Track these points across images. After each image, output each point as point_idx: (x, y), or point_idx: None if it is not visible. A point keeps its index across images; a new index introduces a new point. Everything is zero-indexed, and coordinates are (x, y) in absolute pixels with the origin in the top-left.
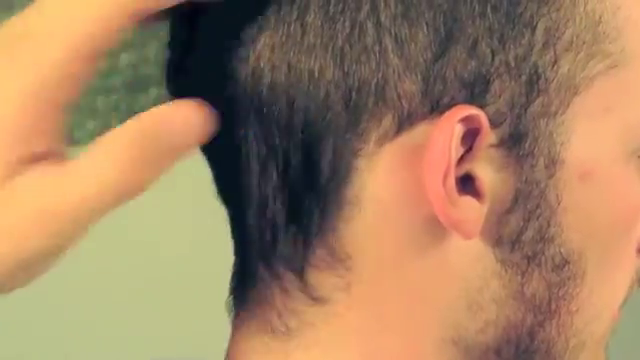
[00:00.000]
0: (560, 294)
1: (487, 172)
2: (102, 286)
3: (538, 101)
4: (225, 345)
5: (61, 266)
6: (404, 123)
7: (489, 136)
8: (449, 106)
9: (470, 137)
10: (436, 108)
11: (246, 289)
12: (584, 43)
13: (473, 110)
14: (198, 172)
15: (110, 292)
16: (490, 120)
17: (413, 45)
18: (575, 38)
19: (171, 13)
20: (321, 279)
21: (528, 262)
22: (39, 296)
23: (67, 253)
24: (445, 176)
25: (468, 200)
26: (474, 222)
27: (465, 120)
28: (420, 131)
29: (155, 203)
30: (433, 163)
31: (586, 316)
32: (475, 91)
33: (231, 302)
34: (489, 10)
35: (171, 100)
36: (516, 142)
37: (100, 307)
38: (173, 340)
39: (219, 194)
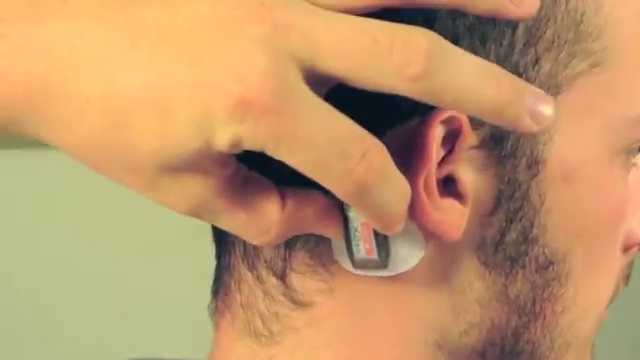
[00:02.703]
0: (545, 295)
1: (469, 173)
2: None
3: None
4: (208, 348)
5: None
6: (385, 125)
7: (470, 137)
8: (430, 108)
9: (451, 138)
10: (417, 110)
11: (229, 293)
12: (566, 42)
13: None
14: None
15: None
16: (471, 121)
17: None
18: (556, 37)
19: None
20: (304, 283)
21: (512, 263)
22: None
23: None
24: (426, 178)
25: (450, 202)
26: (456, 224)
27: (446, 122)
28: (401, 133)
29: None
30: (414, 165)
31: (571, 316)
32: None
33: (213, 305)
34: None
35: None
36: (497, 143)
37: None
38: (155, 341)
39: None
